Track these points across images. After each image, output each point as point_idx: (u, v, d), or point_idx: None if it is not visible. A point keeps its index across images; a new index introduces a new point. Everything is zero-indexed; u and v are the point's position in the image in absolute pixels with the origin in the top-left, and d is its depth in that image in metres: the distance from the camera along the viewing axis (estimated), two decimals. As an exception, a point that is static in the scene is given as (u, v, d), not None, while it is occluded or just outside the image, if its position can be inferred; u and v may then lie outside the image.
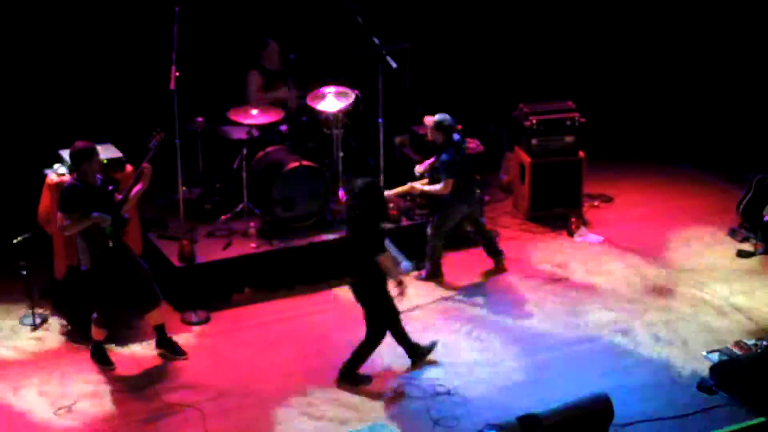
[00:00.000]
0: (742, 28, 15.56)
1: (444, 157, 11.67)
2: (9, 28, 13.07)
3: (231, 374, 10.45)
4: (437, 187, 11.78)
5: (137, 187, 10.22)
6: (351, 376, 10.29)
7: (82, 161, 9.89)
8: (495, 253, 12.52)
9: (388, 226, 12.18)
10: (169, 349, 10.65)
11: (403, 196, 12.51)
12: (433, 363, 10.58)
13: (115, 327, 10.60)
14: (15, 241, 11.08)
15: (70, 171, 10.89)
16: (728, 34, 15.62)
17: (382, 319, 10.27)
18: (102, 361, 10.47)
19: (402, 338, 10.52)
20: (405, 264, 11.49)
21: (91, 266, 10.04)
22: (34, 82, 13.23)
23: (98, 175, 10.06)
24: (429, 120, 11.87)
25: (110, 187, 10.11)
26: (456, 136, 11.83)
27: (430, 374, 10.38)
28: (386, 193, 11.36)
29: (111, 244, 9.95)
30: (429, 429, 9.58)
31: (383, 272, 10.08)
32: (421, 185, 12.04)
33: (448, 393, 10.11)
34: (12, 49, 13.13)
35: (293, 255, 12.04)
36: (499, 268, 12.46)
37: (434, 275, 12.21)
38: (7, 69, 13.15)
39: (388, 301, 10.23)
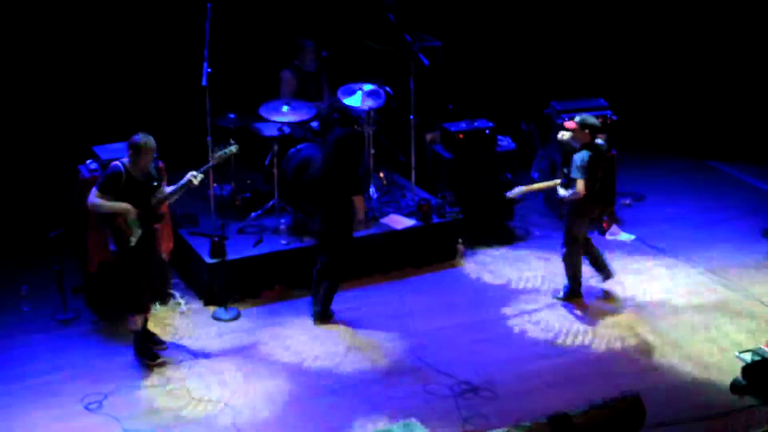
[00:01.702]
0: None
1: (581, 156, 11.15)
2: (46, 25, 13.14)
3: (261, 371, 10.46)
4: (573, 190, 11.19)
5: (174, 196, 10.30)
6: (325, 315, 11.25)
7: (132, 152, 9.94)
8: (601, 268, 11.98)
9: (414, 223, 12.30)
10: (151, 340, 10.69)
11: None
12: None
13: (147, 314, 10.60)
14: (47, 236, 11.13)
15: (103, 165, 10.95)
16: (764, 29, 15.53)
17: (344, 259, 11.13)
18: (146, 355, 10.50)
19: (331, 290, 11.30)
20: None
21: (119, 252, 10.13)
22: (68, 78, 13.29)
23: (151, 167, 10.11)
24: (571, 124, 11.30)
25: (155, 183, 10.13)
26: (599, 140, 11.33)
27: (457, 372, 10.35)
28: (529, 187, 11.79)
29: (133, 240, 9.99)
30: (458, 427, 9.57)
31: (353, 213, 10.93)
32: (559, 188, 11.50)
33: (475, 390, 10.09)
34: (48, 46, 13.19)
35: (324, 252, 12.04)
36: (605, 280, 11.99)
37: (575, 294, 11.79)
38: (43, 66, 13.21)
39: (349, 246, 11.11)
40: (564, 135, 11.43)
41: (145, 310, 10.40)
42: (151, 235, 10.20)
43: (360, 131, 11.40)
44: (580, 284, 11.72)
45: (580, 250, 11.57)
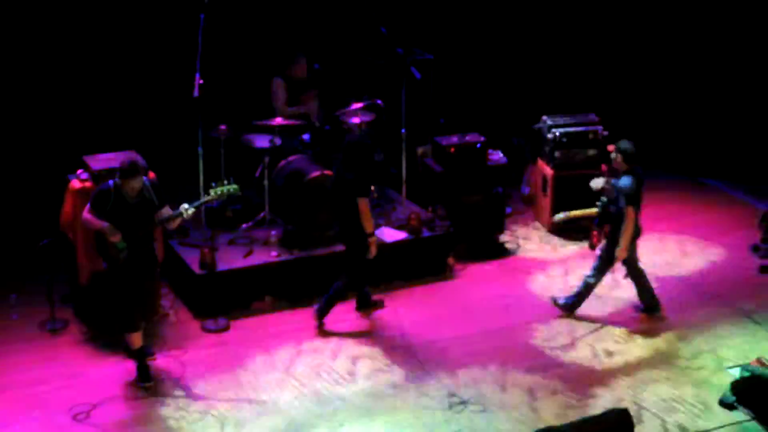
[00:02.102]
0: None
1: (625, 182, 11.10)
2: (35, 36, 13.13)
3: (250, 382, 10.45)
4: (628, 223, 11.14)
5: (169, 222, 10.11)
6: (322, 315, 11.41)
7: (122, 176, 9.77)
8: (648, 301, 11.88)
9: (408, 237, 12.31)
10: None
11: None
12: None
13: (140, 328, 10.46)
14: (38, 246, 11.11)
15: (92, 178, 10.95)
16: (757, 49, 15.56)
17: (360, 265, 11.24)
18: (140, 376, 10.33)
19: (337, 297, 11.41)
20: None
21: (109, 268, 10.10)
22: (58, 89, 13.29)
23: (149, 190, 9.94)
24: (612, 147, 11.38)
25: (152, 205, 9.94)
26: (638, 168, 11.28)
27: (448, 386, 10.36)
28: (572, 213, 11.90)
29: (120, 258, 9.90)
30: (448, 441, 9.59)
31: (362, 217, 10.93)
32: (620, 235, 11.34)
33: (465, 403, 10.09)
34: (37, 56, 13.19)
35: (314, 264, 12.05)
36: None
37: (573, 309, 11.76)
38: (33, 76, 13.21)
39: (361, 255, 11.14)
40: (597, 184, 11.57)
41: (137, 328, 10.25)
42: (145, 256, 10.07)
43: (369, 137, 11.43)
44: (655, 297, 11.70)
45: (639, 267, 11.58)
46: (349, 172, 10.97)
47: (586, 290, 11.64)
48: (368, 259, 11.18)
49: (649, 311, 11.70)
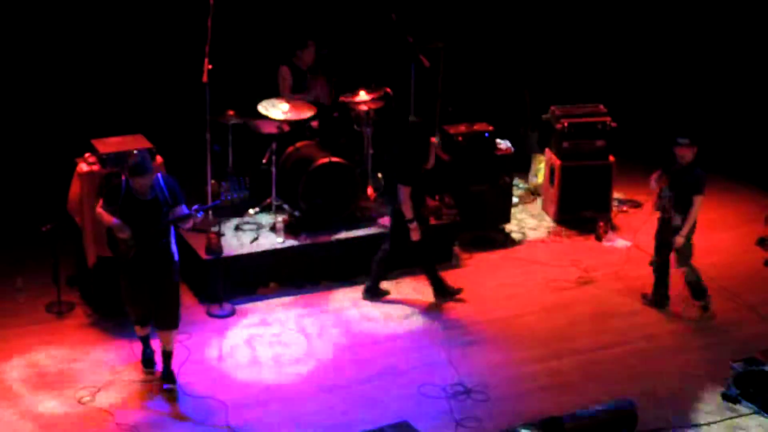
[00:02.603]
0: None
1: (699, 172, 11.27)
2: (45, 19, 13.13)
3: (255, 368, 10.47)
4: (694, 212, 11.26)
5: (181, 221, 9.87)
6: (373, 290, 11.71)
7: (130, 174, 9.50)
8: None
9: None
10: (168, 379, 10.11)
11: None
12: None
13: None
14: (44, 228, 11.12)
15: (99, 161, 10.96)
16: (758, 42, 15.53)
17: (395, 240, 11.47)
18: (144, 362, 10.33)
19: (430, 273, 11.69)
20: None
21: (118, 261, 9.89)
22: (68, 72, 13.29)
23: (163, 190, 9.60)
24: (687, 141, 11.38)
25: (165, 209, 9.59)
26: None
27: (451, 374, 10.36)
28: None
29: (126, 253, 9.69)
30: (452, 429, 9.57)
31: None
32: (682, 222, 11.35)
33: (468, 392, 10.10)
34: (47, 40, 13.19)
35: (320, 250, 12.05)
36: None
37: (704, 294, 11.70)
38: (43, 58, 13.21)
39: (401, 235, 11.33)
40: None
41: (137, 322, 10.11)
42: (156, 255, 9.73)
43: (427, 123, 11.45)
44: (668, 295, 11.75)
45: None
46: (399, 155, 11.18)
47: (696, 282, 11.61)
48: (403, 242, 11.35)
49: (658, 306, 11.68)
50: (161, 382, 10.09)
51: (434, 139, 13.74)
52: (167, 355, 10.08)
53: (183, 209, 9.68)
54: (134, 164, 9.51)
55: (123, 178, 9.66)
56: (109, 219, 9.63)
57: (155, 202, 9.61)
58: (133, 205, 9.57)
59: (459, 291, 11.88)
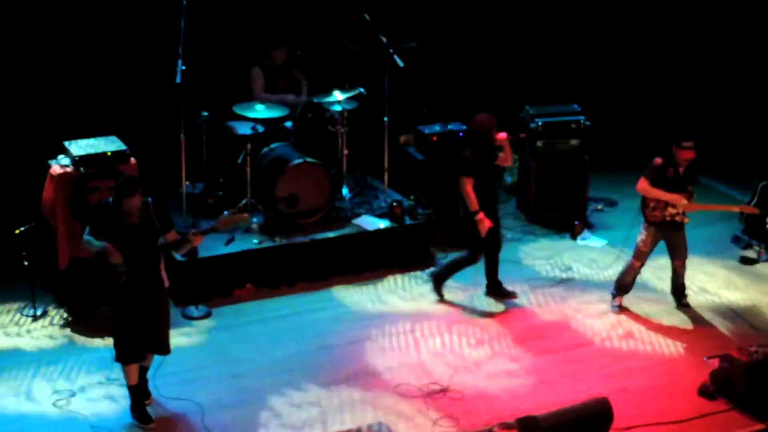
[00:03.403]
0: (753, 34, 15.50)
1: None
2: (15, 20, 13.04)
3: (230, 369, 10.43)
4: None
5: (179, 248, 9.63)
6: (437, 283, 11.78)
7: (119, 195, 9.15)
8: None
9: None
10: (146, 396, 9.81)
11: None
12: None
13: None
14: (17, 231, 11.06)
15: (72, 163, 10.91)
16: (738, 40, 15.58)
17: (475, 242, 11.34)
18: (140, 417, 9.62)
19: (489, 267, 11.73)
20: None
21: (111, 291, 9.39)
22: (39, 73, 13.21)
23: (151, 213, 9.28)
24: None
25: (154, 227, 9.30)
26: None
27: (427, 374, 10.36)
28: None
29: (120, 281, 9.27)
30: (428, 428, 9.57)
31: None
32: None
33: (444, 392, 10.10)
34: (18, 41, 13.10)
35: (295, 251, 12.03)
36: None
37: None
38: (14, 60, 13.12)
39: (472, 231, 11.24)
40: None
41: (136, 359, 9.56)
42: (148, 283, 9.40)
43: (490, 117, 11.41)
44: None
45: None
46: (465, 149, 11.21)
47: None
48: (479, 241, 11.33)
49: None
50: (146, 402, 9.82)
51: (404, 137, 13.79)
52: (144, 371, 9.85)
53: (175, 235, 9.47)
54: (123, 183, 9.17)
55: (109, 201, 9.29)
56: (98, 244, 9.18)
57: (145, 226, 9.28)
58: (122, 229, 9.20)
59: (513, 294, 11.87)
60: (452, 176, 13.05)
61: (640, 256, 11.44)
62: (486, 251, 11.64)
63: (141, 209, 9.21)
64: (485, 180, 11.26)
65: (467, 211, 11.21)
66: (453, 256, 11.93)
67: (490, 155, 11.31)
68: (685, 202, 11.25)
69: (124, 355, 9.48)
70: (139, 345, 9.49)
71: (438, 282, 11.84)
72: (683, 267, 11.63)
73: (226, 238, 11.89)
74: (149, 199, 9.32)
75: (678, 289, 11.76)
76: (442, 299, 11.79)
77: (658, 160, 11.25)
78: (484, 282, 11.84)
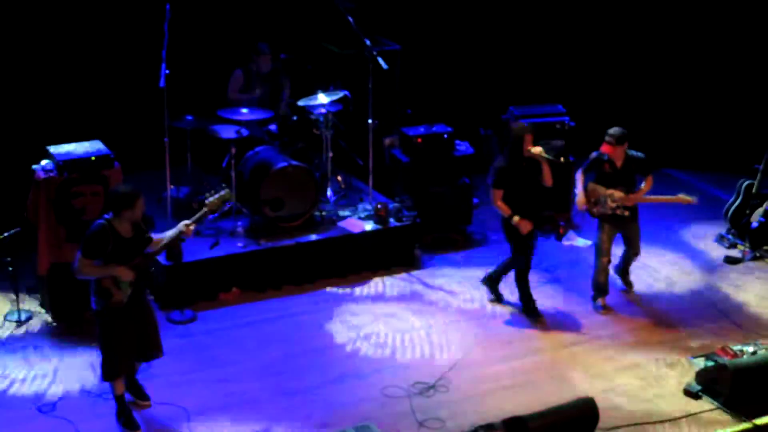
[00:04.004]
0: (734, 31, 15.54)
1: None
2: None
3: (216, 373, 10.42)
4: None
5: (166, 246, 9.54)
6: (492, 283, 11.73)
7: (122, 208, 9.01)
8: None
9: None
10: (136, 394, 9.87)
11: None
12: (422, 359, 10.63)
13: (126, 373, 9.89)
14: (1, 237, 11.04)
15: (56, 168, 10.88)
16: (719, 37, 15.61)
17: (515, 248, 11.28)
18: (128, 424, 9.54)
19: (522, 288, 11.47)
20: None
21: (101, 310, 9.26)
22: (22, 78, 13.19)
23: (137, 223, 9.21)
24: None
25: (145, 236, 9.30)
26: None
27: (414, 376, 10.36)
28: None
29: (122, 300, 9.15)
30: (414, 430, 9.57)
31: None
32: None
33: (431, 393, 10.11)
34: (1, 46, 13.09)
35: (281, 255, 12.03)
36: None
37: None
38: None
39: (514, 240, 11.21)
40: None
41: (123, 373, 9.54)
42: (140, 295, 9.39)
43: (523, 126, 11.27)
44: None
45: None
46: (497, 158, 11.15)
47: None
48: (522, 243, 11.20)
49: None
50: (140, 402, 9.87)
51: (389, 140, 13.77)
52: (133, 374, 9.88)
53: (163, 234, 9.45)
54: (122, 194, 9.02)
55: (101, 222, 9.08)
56: (106, 269, 9.02)
57: (139, 236, 9.24)
58: (121, 247, 9.08)
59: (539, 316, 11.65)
60: (437, 178, 13.14)
61: (603, 253, 11.55)
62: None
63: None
64: (518, 189, 11.04)
65: (503, 220, 11.17)
66: (502, 260, 11.77)
67: (521, 164, 11.05)
68: (618, 195, 11.34)
69: (112, 373, 9.42)
70: (127, 359, 9.46)
71: (492, 284, 11.76)
72: (636, 256, 11.83)
73: (211, 242, 11.91)
74: None
75: (623, 273, 12.05)
76: (499, 300, 11.76)
77: (593, 153, 11.34)
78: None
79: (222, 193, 9.65)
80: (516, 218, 10.95)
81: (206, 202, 9.59)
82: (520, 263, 11.39)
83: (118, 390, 9.56)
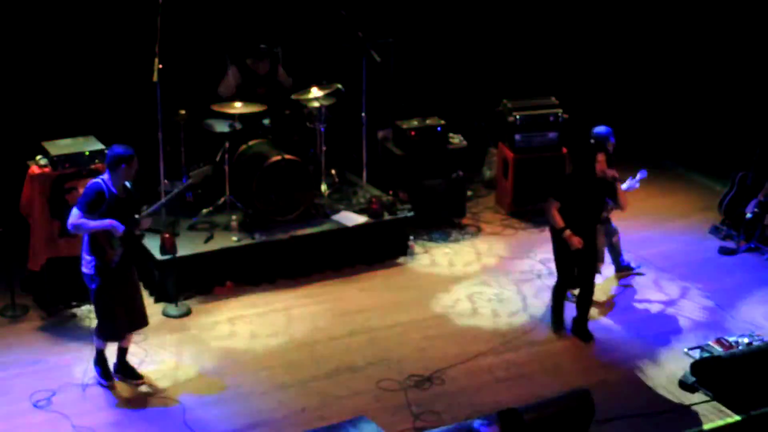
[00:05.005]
0: (729, 25, 15.55)
1: None
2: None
3: (211, 367, 10.43)
4: None
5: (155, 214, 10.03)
6: (581, 331, 11.02)
7: (120, 164, 9.48)
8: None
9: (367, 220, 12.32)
10: (129, 375, 10.16)
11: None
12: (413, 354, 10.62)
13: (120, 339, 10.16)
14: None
15: (51, 163, 10.88)
16: (713, 31, 15.62)
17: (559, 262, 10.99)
18: (103, 373, 10.04)
19: (555, 299, 11.17)
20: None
21: (93, 273, 9.63)
22: (16, 73, 13.16)
23: (128, 184, 9.70)
24: None
25: (134, 197, 9.76)
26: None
27: (409, 369, 10.37)
28: None
29: (114, 257, 9.55)
30: (410, 423, 9.58)
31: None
32: None
33: (426, 386, 10.13)
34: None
35: (275, 248, 12.03)
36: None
37: None
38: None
39: (558, 256, 10.93)
40: None
41: (120, 338, 9.99)
42: (129, 259, 9.79)
43: (591, 147, 10.88)
44: None
45: None
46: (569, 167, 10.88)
47: None
48: (565, 256, 10.83)
49: None
50: (131, 381, 10.12)
51: (382, 133, 13.75)
52: (125, 352, 10.13)
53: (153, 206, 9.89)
54: (121, 154, 9.52)
55: (98, 180, 9.56)
56: (100, 222, 9.46)
57: (130, 198, 9.71)
58: (117, 204, 9.55)
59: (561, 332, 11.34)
60: (430, 171, 13.14)
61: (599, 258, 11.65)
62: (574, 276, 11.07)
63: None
64: (578, 205, 10.72)
65: (553, 230, 10.90)
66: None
67: (589, 181, 10.73)
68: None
69: (113, 335, 9.92)
70: (124, 323, 9.85)
71: (555, 314, 11.22)
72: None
73: (206, 236, 11.90)
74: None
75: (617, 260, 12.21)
76: (559, 329, 11.18)
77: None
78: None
79: (203, 168, 10.39)
80: (568, 232, 10.64)
81: (190, 174, 10.28)
82: (561, 276, 11.09)
83: (104, 345, 10.01)
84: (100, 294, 9.70)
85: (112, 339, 9.97)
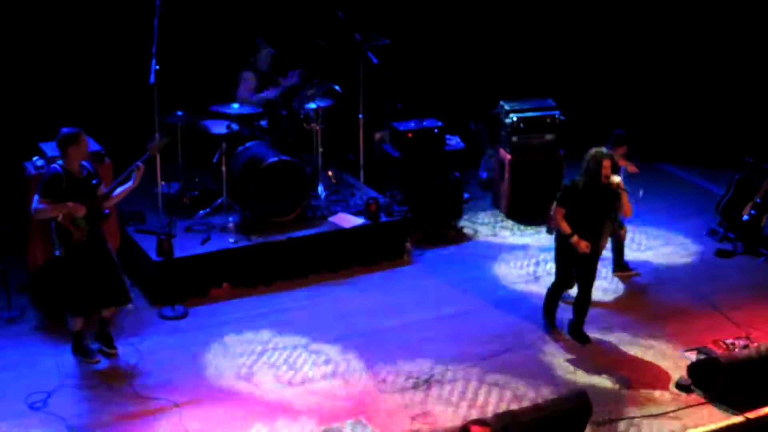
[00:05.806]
0: (727, 26, 15.56)
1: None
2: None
3: (207, 369, 10.40)
4: None
5: (127, 185, 10.12)
6: (577, 333, 11.03)
7: (68, 145, 9.78)
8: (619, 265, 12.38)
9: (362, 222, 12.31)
10: (105, 342, 10.53)
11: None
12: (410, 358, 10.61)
13: (89, 317, 10.42)
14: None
15: (50, 161, 10.88)
16: (711, 32, 15.63)
17: (558, 263, 11.04)
18: (83, 353, 10.39)
19: (549, 300, 11.24)
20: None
21: (64, 254, 9.96)
22: (13, 74, 13.16)
23: (87, 165, 9.96)
24: None
25: (95, 181, 9.97)
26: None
27: (405, 371, 10.36)
28: None
29: (81, 237, 9.84)
30: (406, 425, 9.57)
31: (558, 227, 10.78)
32: None
33: (423, 388, 10.11)
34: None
35: (272, 250, 12.02)
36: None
37: None
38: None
39: (559, 258, 10.96)
40: None
41: (83, 312, 10.25)
42: (99, 236, 10.04)
43: (602, 152, 10.71)
44: None
45: None
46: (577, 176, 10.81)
47: None
48: (566, 259, 10.86)
49: None
50: (107, 350, 10.47)
51: (379, 135, 13.75)
52: (106, 323, 10.48)
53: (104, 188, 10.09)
54: (66, 133, 9.79)
55: (55, 166, 9.85)
56: (60, 205, 9.73)
57: (89, 178, 9.92)
58: (75, 186, 9.78)
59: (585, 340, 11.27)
60: (428, 173, 13.14)
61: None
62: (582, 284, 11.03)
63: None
64: (584, 212, 10.68)
65: (559, 234, 10.89)
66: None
67: (595, 189, 10.68)
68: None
69: (75, 308, 10.18)
70: (88, 299, 10.11)
71: (548, 315, 11.30)
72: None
73: (202, 238, 11.89)
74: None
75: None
76: (553, 330, 11.18)
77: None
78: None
79: (163, 139, 10.53)
80: (575, 238, 10.60)
81: (149, 147, 10.35)
82: (559, 277, 11.12)
83: (77, 326, 10.29)
84: (66, 269, 10.00)
85: (78, 312, 10.20)
